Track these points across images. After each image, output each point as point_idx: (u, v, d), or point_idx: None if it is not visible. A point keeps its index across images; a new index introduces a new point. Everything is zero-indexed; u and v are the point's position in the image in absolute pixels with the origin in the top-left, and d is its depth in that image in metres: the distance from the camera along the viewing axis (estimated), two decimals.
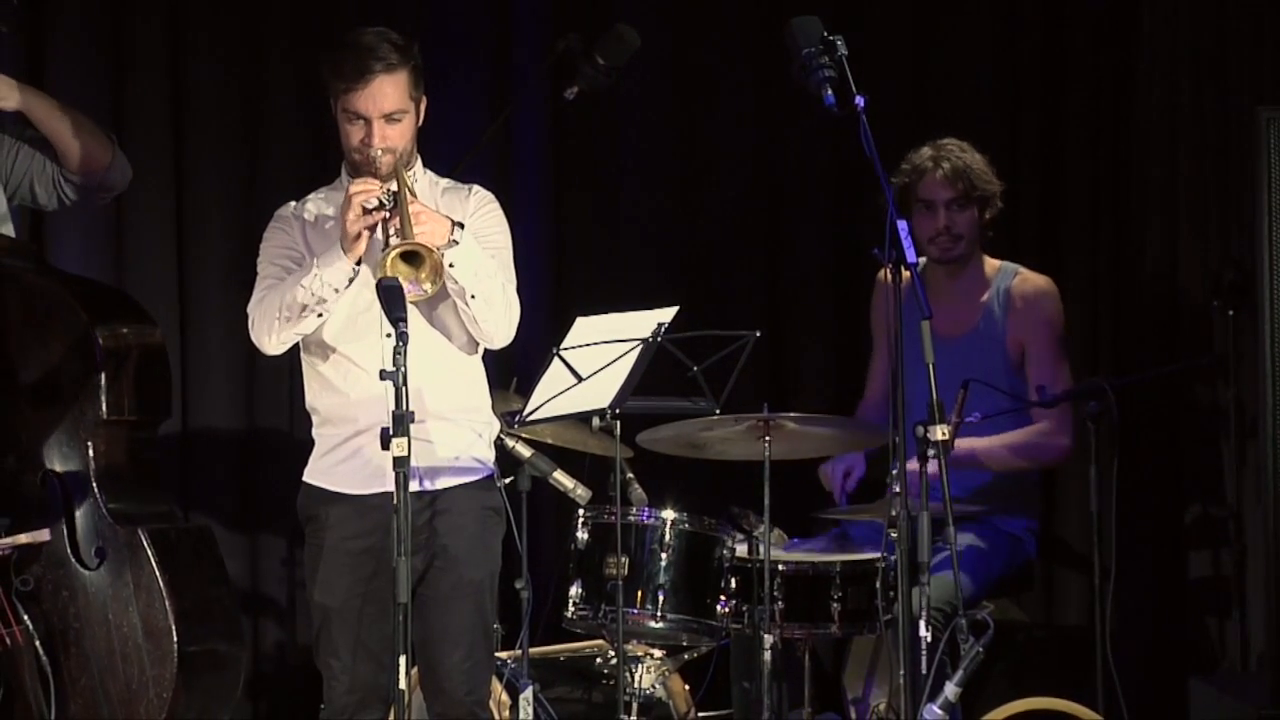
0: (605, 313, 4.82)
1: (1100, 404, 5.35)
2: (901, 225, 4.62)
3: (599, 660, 5.55)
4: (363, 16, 5.62)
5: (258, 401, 6.31)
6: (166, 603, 5.06)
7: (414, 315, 4.62)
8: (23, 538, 5.09)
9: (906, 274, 4.63)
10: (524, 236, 5.01)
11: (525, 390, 4.97)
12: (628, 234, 6.52)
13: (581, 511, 5.35)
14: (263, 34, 6.33)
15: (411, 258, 4.56)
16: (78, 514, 5.13)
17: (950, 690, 4.64)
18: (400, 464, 4.38)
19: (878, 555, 5.32)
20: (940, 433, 4.54)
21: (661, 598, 5.27)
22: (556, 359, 4.77)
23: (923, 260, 5.67)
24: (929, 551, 4.56)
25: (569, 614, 5.32)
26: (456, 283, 4.66)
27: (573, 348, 4.77)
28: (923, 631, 4.55)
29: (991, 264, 5.93)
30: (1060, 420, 5.72)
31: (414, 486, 4.58)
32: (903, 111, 6.41)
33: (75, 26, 6.17)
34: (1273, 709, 5.55)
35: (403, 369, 4.39)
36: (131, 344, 5.20)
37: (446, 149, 5.39)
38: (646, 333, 4.85)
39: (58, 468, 5.15)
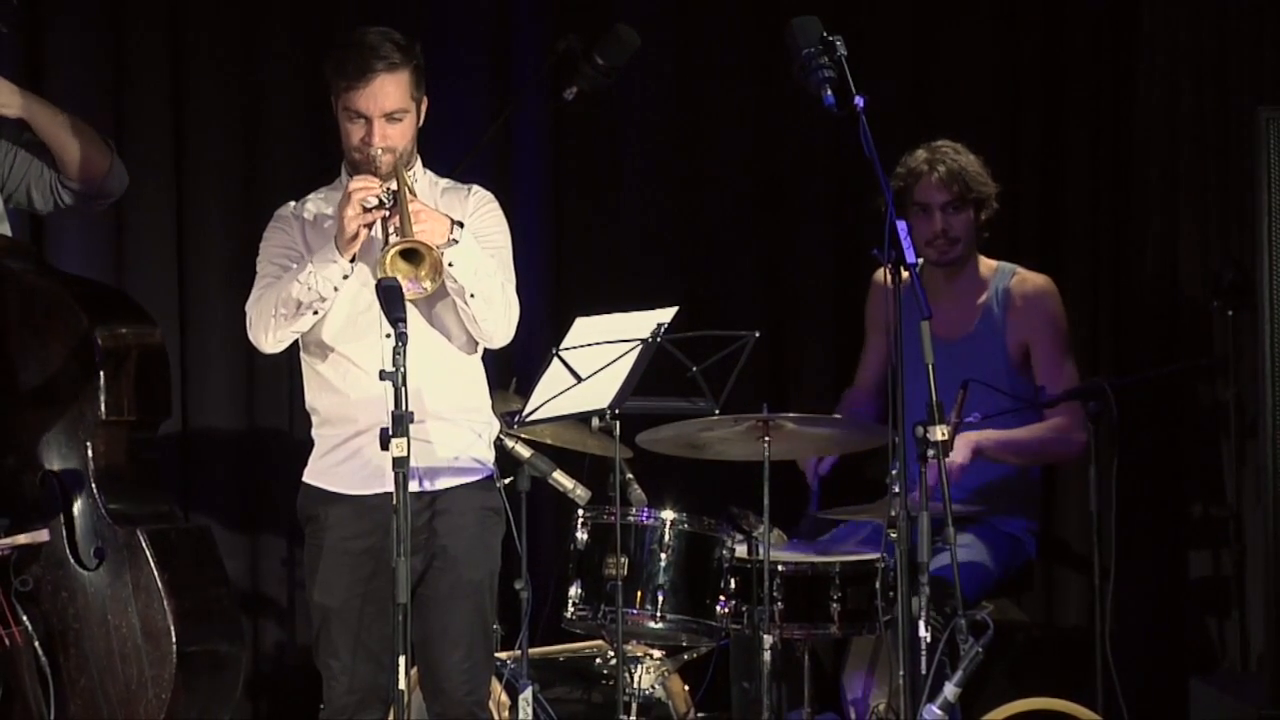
0: (605, 313, 4.82)
1: (1100, 404, 5.35)
2: (901, 225, 4.62)
3: (598, 660, 5.55)
4: (363, 17, 5.62)
5: (258, 402, 6.31)
6: (165, 603, 5.05)
7: (413, 315, 4.62)
8: (22, 538, 5.09)
9: (905, 274, 4.63)
10: (523, 236, 5.01)
11: (525, 390, 4.97)
12: (627, 234, 6.52)
13: (581, 512, 5.35)
14: (263, 34, 6.32)
15: (411, 256, 4.56)
16: (77, 514, 5.12)
17: (950, 690, 4.63)
18: (400, 464, 4.38)
19: (877, 555, 5.31)
20: (940, 433, 4.54)
21: (661, 598, 5.27)
22: (556, 359, 4.77)
23: (920, 261, 5.67)
24: (929, 552, 4.56)
25: (568, 614, 5.32)
26: (456, 282, 4.66)
27: (572, 348, 4.77)
28: (922, 632, 4.55)
29: (988, 264, 5.93)
30: (1076, 417, 5.70)
31: (413, 487, 4.58)
32: (902, 112, 6.41)
33: (75, 26, 6.16)
34: (1272, 709, 5.55)
35: (402, 369, 4.39)
36: (131, 344, 5.20)
37: (446, 149, 5.39)
38: (646, 333, 4.85)
39: (57, 468, 5.15)
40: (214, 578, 5.27)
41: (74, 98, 5.91)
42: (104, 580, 5.10)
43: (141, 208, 6.14)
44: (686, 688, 5.59)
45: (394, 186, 4.65)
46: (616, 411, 4.93)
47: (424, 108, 4.80)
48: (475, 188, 4.89)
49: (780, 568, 5.30)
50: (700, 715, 5.62)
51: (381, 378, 4.41)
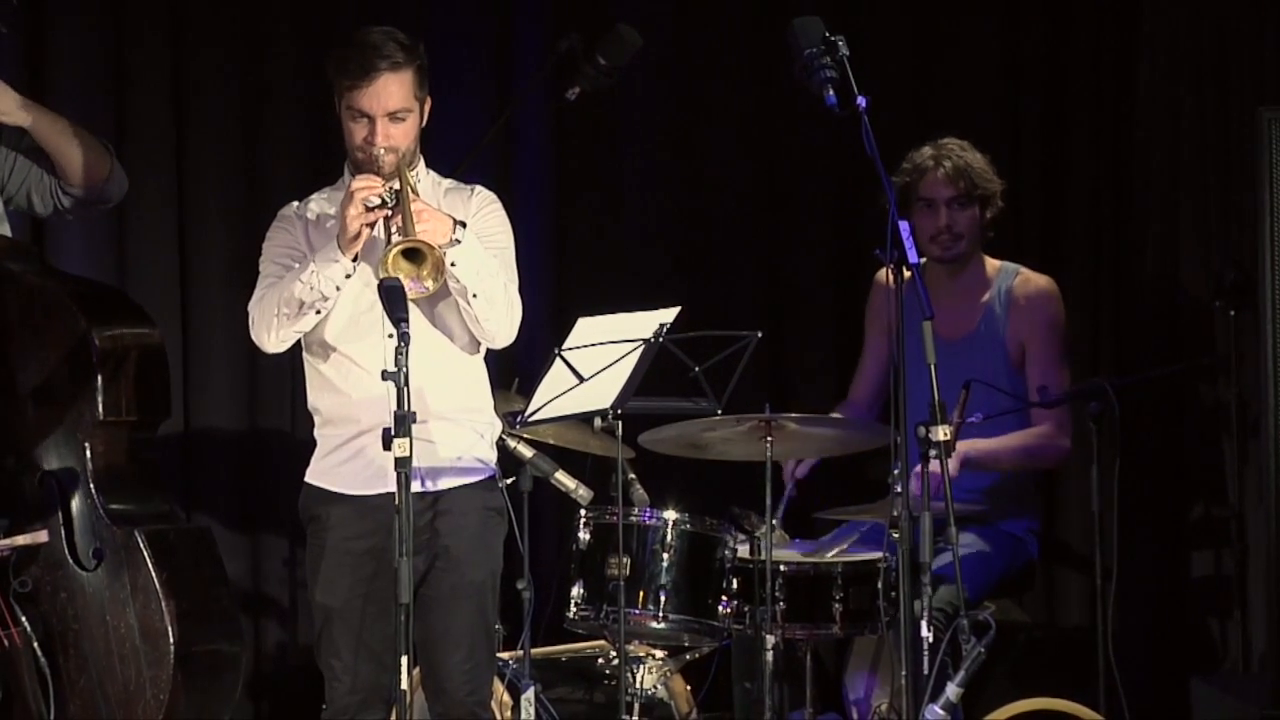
0: (607, 313, 4.81)
1: (1102, 404, 5.35)
2: (903, 226, 4.62)
3: (601, 661, 5.55)
4: (365, 17, 5.61)
5: (260, 402, 6.30)
6: (163, 604, 5.05)
7: (416, 315, 4.62)
8: (21, 539, 5.09)
9: (907, 274, 4.62)
10: (525, 237, 5.01)
11: (527, 391, 4.97)
12: (629, 234, 6.52)
13: (583, 512, 5.34)
14: (264, 34, 6.32)
15: (413, 255, 4.56)
16: (75, 515, 5.12)
17: (952, 691, 4.63)
18: (402, 464, 4.38)
19: (879, 555, 5.31)
20: (942, 433, 4.54)
21: (663, 598, 5.27)
22: (558, 359, 4.77)
23: (923, 260, 5.67)
24: (931, 552, 4.56)
25: (571, 614, 5.32)
26: (459, 282, 4.65)
27: (574, 348, 4.77)
28: (924, 632, 4.55)
29: (992, 264, 5.92)
30: (1060, 422, 5.72)
31: (416, 487, 4.57)
32: (904, 112, 6.40)
33: (76, 26, 6.16)
34: (1274, 709, 5.55)
35: (404, 369, 4.38)
36: (129, 345, 5.20)
37: (448, 149, 5.39)
38: (648, 333, 4.85)
39: (56, 468, 5.14)
40: (213, 578, 5.27)
41: (75, 98, 5.92)
42: (102, 581, 5.09)
43: (143, 208, 6.14)
44: (688, 688, 5.59)
45: (397, 186, 4.64)
46: (619, 411, 4.93)
47: (427, 107, 4.79)
48: (478, 188, 4.89)
49: (782, 568, 5.29)
50: (702, 715, 5.62)
51: (384, 378, 4.41)
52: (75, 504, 5.12)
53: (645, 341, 4.85)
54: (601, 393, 4.88)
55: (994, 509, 5.71)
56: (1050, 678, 5.69)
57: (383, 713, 4.80)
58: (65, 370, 5.15)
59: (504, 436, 5.09)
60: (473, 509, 4.78)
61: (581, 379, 4.80)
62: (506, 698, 5.29)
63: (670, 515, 5.31)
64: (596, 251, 6.51)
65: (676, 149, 6.55)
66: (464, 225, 4.67)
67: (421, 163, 4.85)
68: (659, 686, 5.49)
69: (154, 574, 5.06)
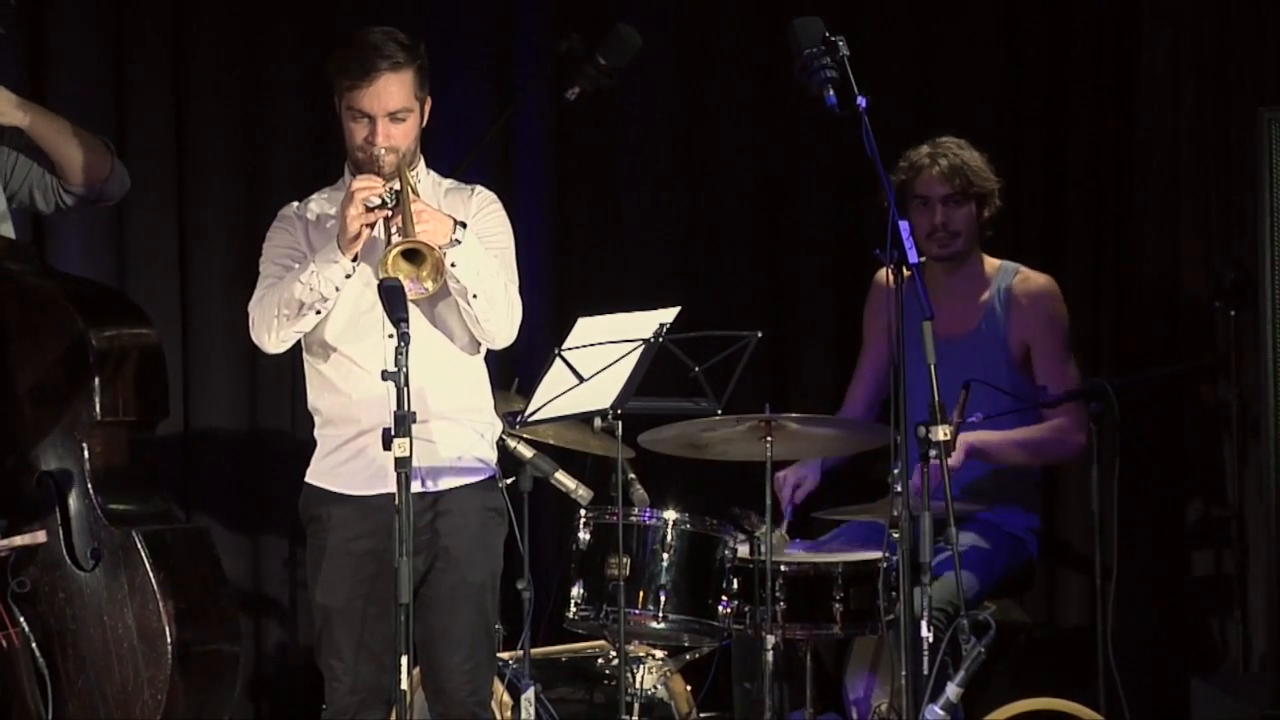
0: (607, 313, 4.81)
1: (1102, 404, 5.34)
2: (903, 226, 4.62)
3: (601, 661, 5.54)
4: (365, 17, 5.61)
5: (260, 402, 6.30)
6: (160, 604, 5.05)
7: (416, 315, 4.62)
8: (19, 539, 5.09)
9: (907, 274, 4.62)
10: (526, 237, 5.00)
11: (527, 391, 4.97)
12: (629, 234, 6.51)
13: (583, 512, 5.34)
14: (265, 34, 6.31)
15: (413, 256, 4.55)
16: (73, 515, 5.13)
17: (952, 691, 4.63)
18: (402, 464, 4.37)
19: (879, 555, 5.31)
20: (942, 433, 4.53)
21: (663, 598, 5.27)
22: (558, 359, 4.77)
23: (923, 260, 5.66)
24: (931, 552, 4.55)
25: (571, 614, 5.32)
26: (459, 282, 4.65)
27: (574, 348, 4.77)
28: (924, 632, 4.54)
29: (991, 263, 5.92)
30: (1075, 418, 5.70)
31: (416, 487, 4.57)
32: (904, 112, 6.40)
33: (76, 26, 6.15)
34: (1275, 709, 5.54)
35: (404, 369, 4.38)
36: (126, 345, 5.20)
37: (448, 149, 5.39)
38: (648, 333, 4.85)
39: (54, 469, 5.14)
40: (212, 578, 5.27)
41: (75, 97, 5.91)
42: (100, 581, 5.09)
43: (143, 208, 6.13)
44: (689, 688, 5.58)
45: (397, 186, 4.64)
46: (619, 412, 4.93)
47: (428, 108, 4.79)
48: (478, 188, 4.89)
49: (782, 568, 5.29)
50: (702, 715, 5.61)
51: (384, 378, 4.41)
52: (73, 504, 5.12)
53: (645, 341, 4.84)
54: (601, 393, 4.88)
55: (994, 508, 5.71)
56: (1050, 678, 5.68)
57: (383, 713, 4.79)
58: (63, 370, 5.16)
59: (504, 436, 5.09)
60: (473, 509, 4.78)
61: (581, 379, 4.79)
62: (506, 698, 5.29)
63: (670, 515, 5.31)
64: (596, 251, 6.51)
65: (676, 149, 6.55)
66: (464, 225, 4.66)
67: (422, 163, 4.85)
68: (659, 687, 5.49)
69: (151, 574, 5.06)
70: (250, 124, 6.31)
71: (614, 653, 5.36)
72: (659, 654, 5.54)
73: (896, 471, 4.67)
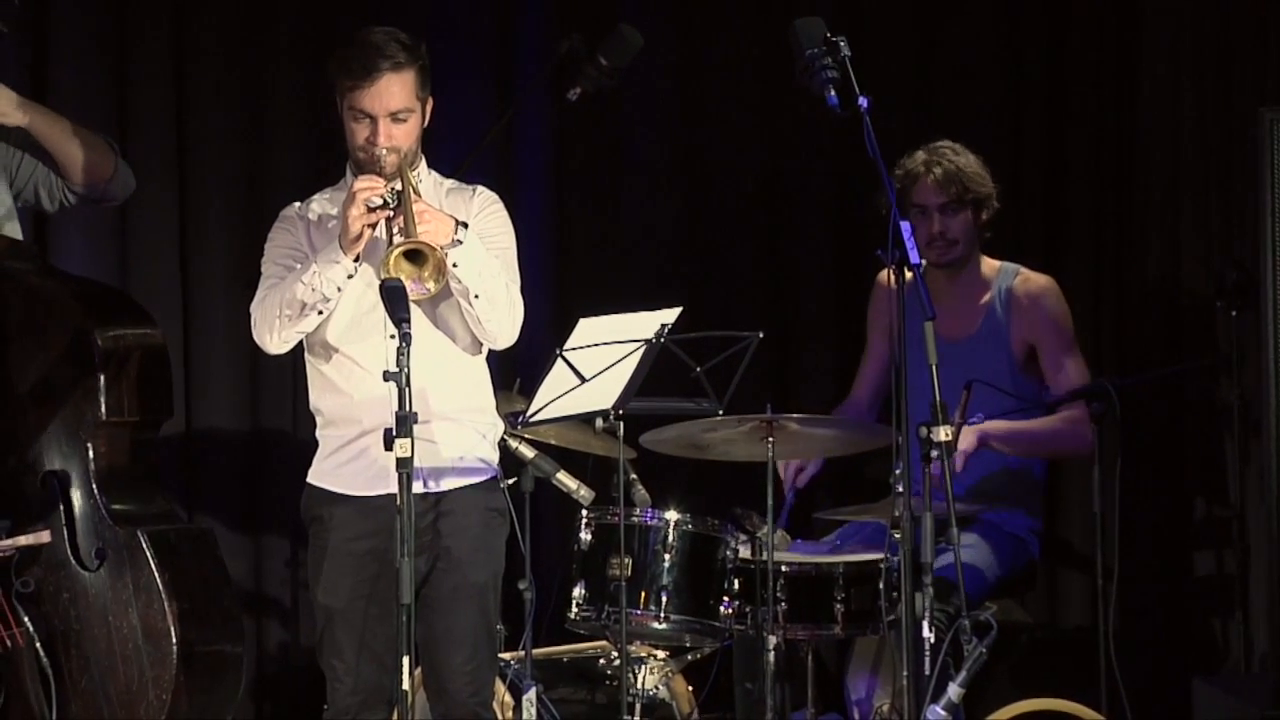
0: (608, 314, 4.81)
1: (1103, 404, 5.34)
2: (905, 226, 4.62)
3: (602, 661, 5.55)
4: (367, 17, 5.61)
5: (262, 403, 6.30)
6: (165, 604, 5.05)
7: (418, 316, 4.62)
8: (23, 539, 5.09)
9: (909, 275, 4.62)
10: (527, 237, 5.01)
11: (528, 391, 4.97)
12: (631, 235, 6.51)
13: (585, 512, 5.34)
14: (266, 34, 6.32)
15: (414, 256, 4.56)
16: (77, 515, 5.13)
17: (954, 691, 4.63)
18: (404, 465, 4.38)
19: (881, 556, 5.31)
20: (944, 434, 4.53)
21: (665, 599, 5.27)
22: (560, 360, 4.77)
23: (924, 262, 5.66)
24: (932, 552, 4.56)
25: (572, 615, 5.32)
26: (460, 282, 4.66)
27: (576, 349, 4.77)
28: (926, 632, 4.54)
29: (991, 264, 5.92)
30: (1085, 412, 5.68)
31: (418, 488, 4.58)
32: (906, 112, 6.40)
33: (78, 25, 6.15)
34: (1276, 710, 5.54)
35: (406, 370, 4.39)
36: (131, 345, 5.20)
37: (449, 150, 5.39)
38: (650, 334, 4.85)
39: (58, 469, 5.14)
40: (216, 578, 5.27)
41: (77, 97, 5.92)
42: (105, 581, 5.10)
43: (145, 208, 6.13)
44: (690, 688, 5.59)
45: (398, 186, 4.64)
46: (620, 412, 4.93)
47: (429, 108, 4.79)
48: (480, 188, 4.89)
49: (784, 568, 5.29)
50: (703, 716, 5.61)
51: (385, 378, 4.41)
52: (77, 504, 5.13)
53: (647, 342, 4.85)
54: (603, 393, 4.88)
55: (996, 509, 5.71)
56: (1052, 678, 5.68)
57: (384, 713, 4.80)
58: (67, 370, 5.16)
59: (506, 437, 5.09)
60: (474, 510, 4.78)
61: (583, 379, 4.80)
62: (508, 698, 5.29)
63: (672, 516, 5.31)
64: (598, 252, 6.51)
65: (678, 149, 6.55)
66: (465, 226, 4.67)
67: (423, 163, 4.85)
68: (660, 687, 5.49)
69: (156, 574, 5.06)
70: (251, 124, 6.31)
71: (615, 653, 5.36)
72: (660, 654, 5.55)
73: (898, 472, 4.67)
